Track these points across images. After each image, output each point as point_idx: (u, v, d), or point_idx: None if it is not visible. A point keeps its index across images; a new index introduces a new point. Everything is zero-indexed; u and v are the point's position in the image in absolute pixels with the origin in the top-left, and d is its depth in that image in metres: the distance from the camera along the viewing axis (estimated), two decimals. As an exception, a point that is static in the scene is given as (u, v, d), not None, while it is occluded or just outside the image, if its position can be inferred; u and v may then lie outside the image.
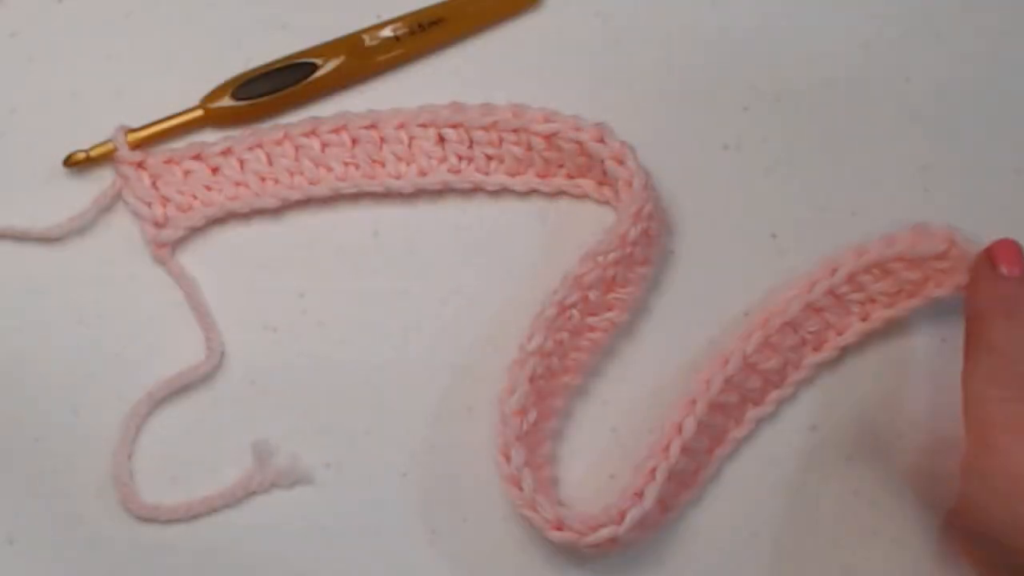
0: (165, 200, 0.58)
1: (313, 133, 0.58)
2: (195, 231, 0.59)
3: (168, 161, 0.59)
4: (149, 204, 0.58)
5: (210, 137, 0.60)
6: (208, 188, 0.59)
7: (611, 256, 0.56)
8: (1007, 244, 0.54)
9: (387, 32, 0.60)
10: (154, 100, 0.59)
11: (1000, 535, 0.50)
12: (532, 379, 0.55)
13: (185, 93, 0.59)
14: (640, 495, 0.54)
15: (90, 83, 0.60)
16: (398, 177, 0.59)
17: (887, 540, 0.57)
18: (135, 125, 0.59)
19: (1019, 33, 0.61)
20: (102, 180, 0.59)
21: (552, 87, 0.60)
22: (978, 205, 0.59)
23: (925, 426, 0.57)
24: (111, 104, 0.60)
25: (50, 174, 0.59)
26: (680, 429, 0.55)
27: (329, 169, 0.59)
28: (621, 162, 0.57)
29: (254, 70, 0.60)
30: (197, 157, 0.58)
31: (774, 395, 0.57)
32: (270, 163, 0.59)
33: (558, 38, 0.61)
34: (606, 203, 0.59)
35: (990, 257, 0.54)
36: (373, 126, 0.58)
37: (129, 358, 0.58)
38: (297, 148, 0.58)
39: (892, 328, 0.57)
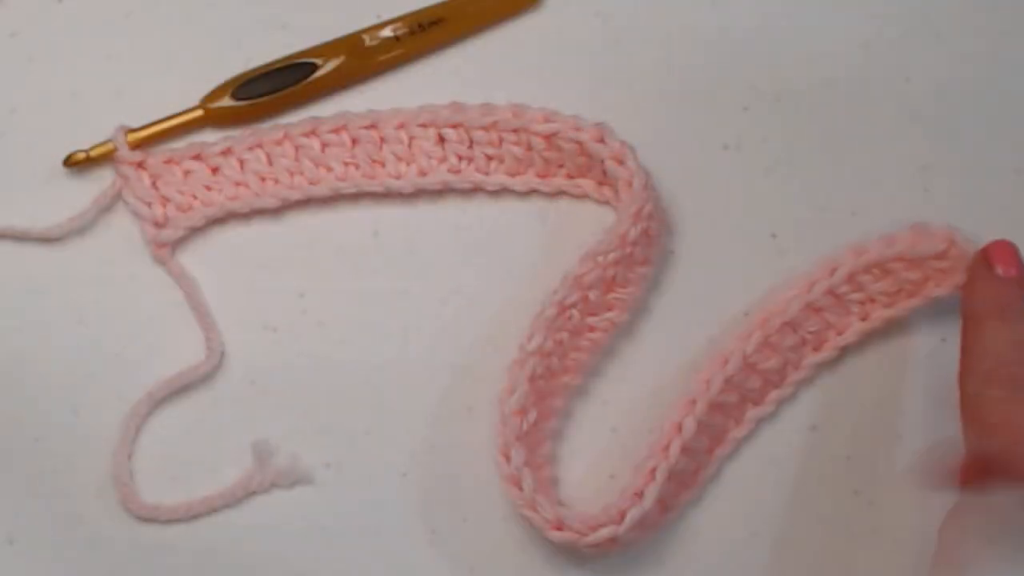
0: (165, 200, 0.58)
1: (313, 133, 0.58)
2: (195, 231, 0.59)
3: (168, 161, 0.59)
4: (149, 204, 0.58)
5: (210, 137, 0.60)
6: (208, 188, 0.59)
7: (611, 256, 0.56)
8: (1003, 245, 0.54)
9: (387, 32, 0.60)
10: (154, 100, 0.59)
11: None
12: (532, 379, 0.55)
13: (185, 93, 0.59)
14: (640, 495, 0.54)
15: (90, 83, 0.60)
16: (398, 177, 0.59)
17: (887, 540, 0.57)
18: (135, 125, 0.59)
19: (1019, 33, 0.61)
20: (102, 180, 0.59)
21: (552, 87, 0.60)
22: (978, 205, 0.59)
23: (925, 426, 0.57)
24: (111, 104, 0.60)
25: (50, 174, 0.59)
26: (680, 429, 0.55)
27: (329, 169, 0.59)
28: (621, 162, 0.57)
29: (254, 70, 0.60)
30: (197, 157, 0.59)
31: (774, 395, 0.57)
32: (270, 163, 0.59)
33: (558, 38, 0.61)
34: (606, 203, 0.59)
35: (986, 258, 0.54)
36: (373, 126, 0.58)
37: (129, 358, 0.58)
38: (297, 148, 0.58)
39: (892, 328, 0.57)
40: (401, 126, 0.58)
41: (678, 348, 0.58)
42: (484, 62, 0.61)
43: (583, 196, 0.59)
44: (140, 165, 0.58)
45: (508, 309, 0.58)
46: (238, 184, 0.59)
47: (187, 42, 0.61)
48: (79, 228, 0.59)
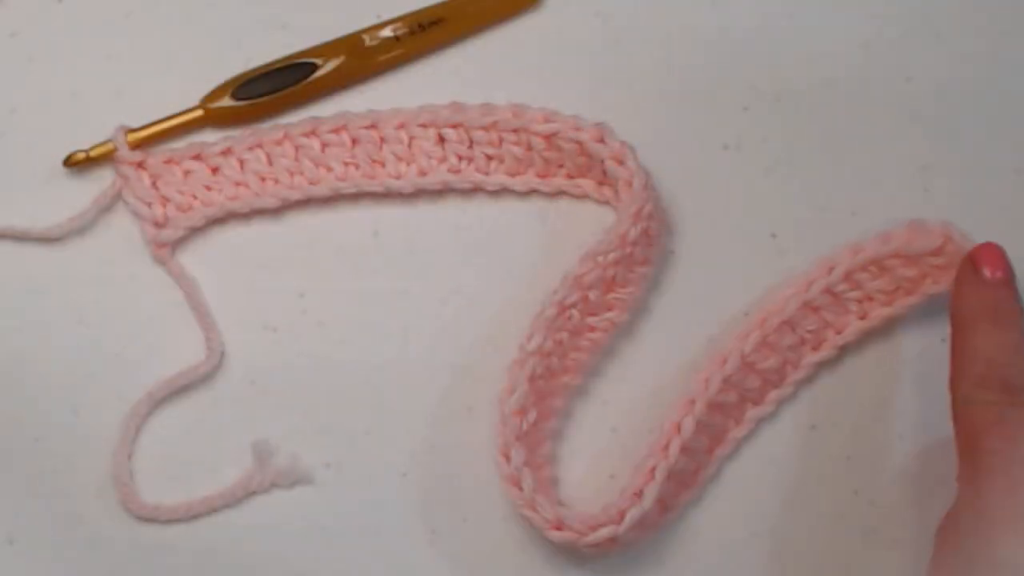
0: (165, 200, 0.58)
1: (313, 133, 0.58)
2: (195, 231, 0.59)
3: (168, 161, 0.59)
4: (149, 204, 0.58)
5: (210, 137, 0.60)
6: (208, 188, 0.59)
7: (611, 256, 0.56)
8: (989, 248, 0.54)
9: (387, 32, 0.60)
10: (154, 100, 0.59)
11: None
12: (532, 379, 0.55)
13: (185, 93, 0.59)
14: (640, 495, 0.54)
15: (90, 83, 0.60)
16: (398, 177, 0.59)
17: (887, 540, 0.57)
18: (135, 125, 0.59)
19: (1019, 33, 0.61)
20: (102, 180, 0.59)
21: (552, 87, 0.60)
22: (978, 205, 0.59)
23: (924, 426, 0.57)
24: (111, 104, 0.60)
25: (50, 174, 0.59)
26: (679, 429, 0.55)
27: (329, 169, 0.59)
28: (621, 162, 0.57)
29: (254, 70, 0.60)
30: (197, 157, 0.59)
31: (773, 395, 0.57)
32: (270, 163, 0.59)
33: (558, 38, 0.61)
34: (606, 203, 0.59)
35: (973, 261, 0.54)
36: (373, 126, 0.58)
37: (129, 358, 0.58)
38: (297, 148, 0.58)
39: (891, 328, 0.57)
40: (401, 126, 0.58)
41: (678, 348, 0.58)
42: (484, 62, 0.61)
43: (583, 196, 0.59)
44: (140, 165, 0.58)
45: (508, 309, 0.58)
46: (238, 184, 0.59)
47: (187, 42, 0.61)
48: (79, 228, 0.59)
